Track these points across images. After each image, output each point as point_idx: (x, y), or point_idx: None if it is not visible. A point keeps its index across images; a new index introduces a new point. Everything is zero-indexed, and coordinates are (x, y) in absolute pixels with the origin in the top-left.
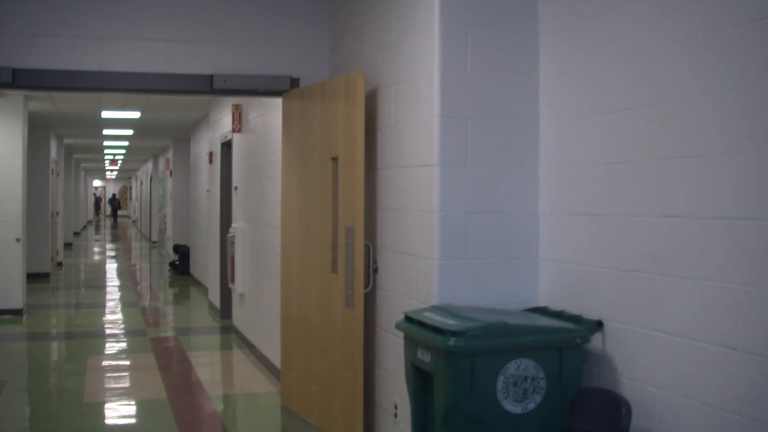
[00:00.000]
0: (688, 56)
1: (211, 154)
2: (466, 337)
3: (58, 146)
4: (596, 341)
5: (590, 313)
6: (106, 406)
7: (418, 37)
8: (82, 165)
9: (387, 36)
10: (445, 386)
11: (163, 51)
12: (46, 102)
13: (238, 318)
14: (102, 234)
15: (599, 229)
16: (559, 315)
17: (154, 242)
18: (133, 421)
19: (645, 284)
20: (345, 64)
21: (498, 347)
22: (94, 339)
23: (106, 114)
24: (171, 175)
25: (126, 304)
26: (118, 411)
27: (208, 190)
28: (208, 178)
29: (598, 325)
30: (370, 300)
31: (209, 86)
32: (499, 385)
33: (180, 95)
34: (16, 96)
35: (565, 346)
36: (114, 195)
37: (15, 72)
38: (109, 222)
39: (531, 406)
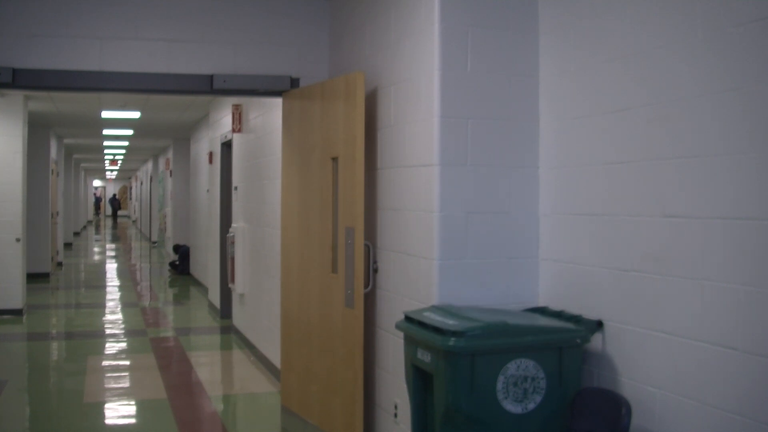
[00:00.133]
0: (688, 56)
1: (211, 154)
2: (466, 337)
3: (58, 146)
4: (596, 341)
5: (590, 313)
6: (106, 406)
7: (418, 37)
8: (82, 165)
9: (387, 36)
10: (445, 386)
11: (163, 51)
12: (46, 102)
13: (238, 318)
14: (102, 234)
15: (599, 229)
16: (559, 315)
17: (154, 242)
18: (133, 421)
19: (645, 284)
20: (345, 64)
21: (498, 347)
22: (94, 339)
23: (106, 114)
24: (171, 175)
25: (126, 304)
26: (118, 411)
27: (208, 190)
28: (208, 178)
29: (598, 325)
30: (370, 300)
31: (209, 86)
32: (499, 385)
33: (180, 95)
34: (16, 96)
35: (565, 346)
36: (114, 195)
37: (15, 72)
38: (109, 222)
39: (531, 406)
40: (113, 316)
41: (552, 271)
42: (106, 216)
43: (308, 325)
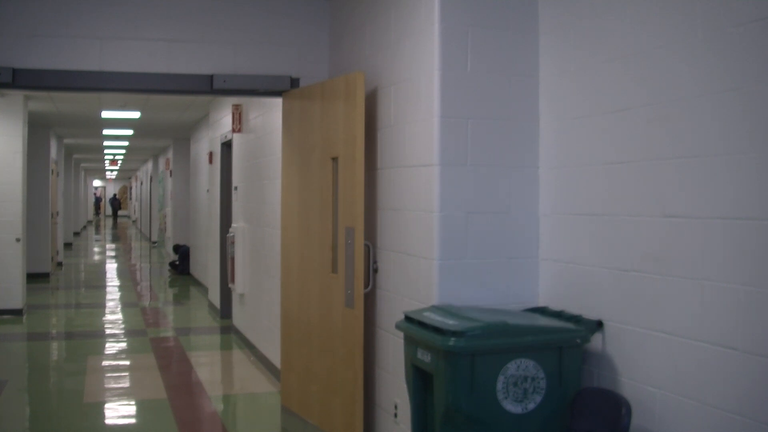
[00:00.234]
0: (688, 56)
1: (211, 154)
2: (466, 337)
3: (58, 146)
4: (596, 341)
5: (590, 313)
6: (106, 406)
7: (418, 37)
8: (82, 165)
9: (387, 36)
10: (445, 386)
11: (163, 51)
12: (46, 102)
13: (238, 318)
14: (102, 234)
15: (599, 229)
16: (559, 315)
17: (154, 242)
18: (133, 421)
19: (645, 284)
20: (345, 64)
21: (498, 347)
22: (94, 339)
23: (106, 114)
24: (171, 175)
25: (126, 304)
26: (118, 411)
27: (208, 190)
28: (208, 178)
29: (598, 325)
30: (370, 300)
31: (209, 86)
32: (499, 385)
33: (180, 95)
34: (16, 96)
35: (565, 346)
36: (114, 195)
37: (15, 72)
38: (109, 222)
39: (531, 406)
40: (113, 316)
41: (552, 271)
42: (106, 216)
43: (308, 325)
